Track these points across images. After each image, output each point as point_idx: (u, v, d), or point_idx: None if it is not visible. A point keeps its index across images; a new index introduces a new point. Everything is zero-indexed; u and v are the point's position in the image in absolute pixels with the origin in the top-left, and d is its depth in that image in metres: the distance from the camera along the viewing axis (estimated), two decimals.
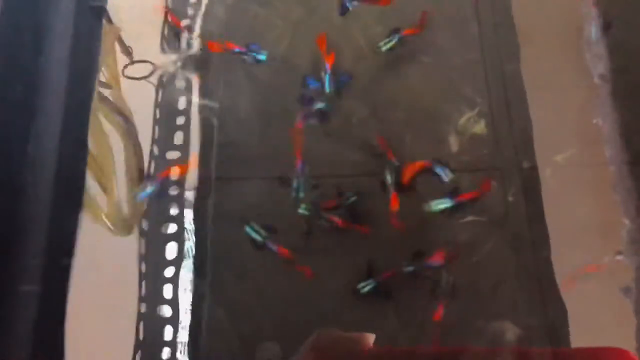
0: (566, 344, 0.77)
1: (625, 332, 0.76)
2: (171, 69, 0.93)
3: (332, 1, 0.96)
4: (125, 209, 0.85)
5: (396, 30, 0.91)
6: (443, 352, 0.74)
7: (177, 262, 0.84)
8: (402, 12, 0.95)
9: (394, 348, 0.75)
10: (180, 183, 0.88)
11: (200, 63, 0.94)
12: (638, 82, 0.87)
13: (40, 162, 0.72)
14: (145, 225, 0.85)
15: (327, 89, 0.89)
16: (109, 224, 0.82)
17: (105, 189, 0.84)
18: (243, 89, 0.93)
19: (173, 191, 0.88)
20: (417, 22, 0.92)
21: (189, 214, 0.86)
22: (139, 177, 0.87)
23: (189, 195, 0.87)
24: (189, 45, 0.95)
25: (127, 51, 0.92)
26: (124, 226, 0.84)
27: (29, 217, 0.70)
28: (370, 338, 0.72)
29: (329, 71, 0.89)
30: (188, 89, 0.93)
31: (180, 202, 0.87)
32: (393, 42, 0.91)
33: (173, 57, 0.94)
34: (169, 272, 0.83)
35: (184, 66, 0.94)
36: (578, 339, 0.77)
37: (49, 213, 0.71)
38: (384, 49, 0.91)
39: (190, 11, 0.97)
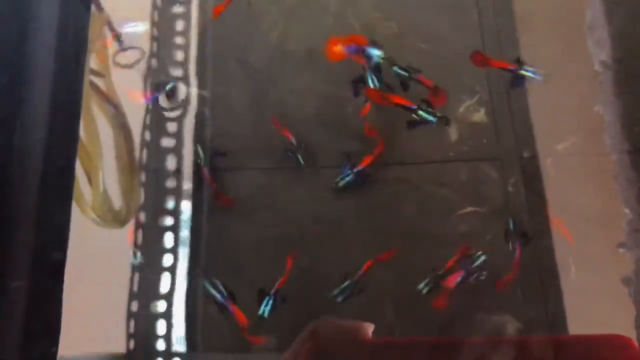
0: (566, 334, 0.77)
1: (625, 322, 0.76)
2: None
3: None
4: (116, 200, 0.83)
5: None
6: (442, 342, 0.74)
7: (174, 254, 0.83)
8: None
9: (393, 338, 0.75)
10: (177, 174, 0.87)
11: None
12: None
13: (28, 153, 0.70)
14: (142, 217, 0.84)
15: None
16: (94, 216, 0.80)
17: (90, 181, 0.82)
18: (236, 77, 0.91)
19: (170, 183, 0.87)
20: None
21: (185, 206, 0.85)
22: (131, 167, 0.85)
23: (186, 186, 0.86)
24: None
25: (117, 38, 0.90)
26: (114, 219, 0.82)
27: (17, 211, 0.68)
28: (370, 327, 0.71)
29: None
30: (182, 78, 0.91)
31: (178, 193, 0.85)
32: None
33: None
34: (165, 263, 0.83)
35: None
36: (577, 330, 0.77)
37: (37, 206, 0.69)
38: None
39: None
